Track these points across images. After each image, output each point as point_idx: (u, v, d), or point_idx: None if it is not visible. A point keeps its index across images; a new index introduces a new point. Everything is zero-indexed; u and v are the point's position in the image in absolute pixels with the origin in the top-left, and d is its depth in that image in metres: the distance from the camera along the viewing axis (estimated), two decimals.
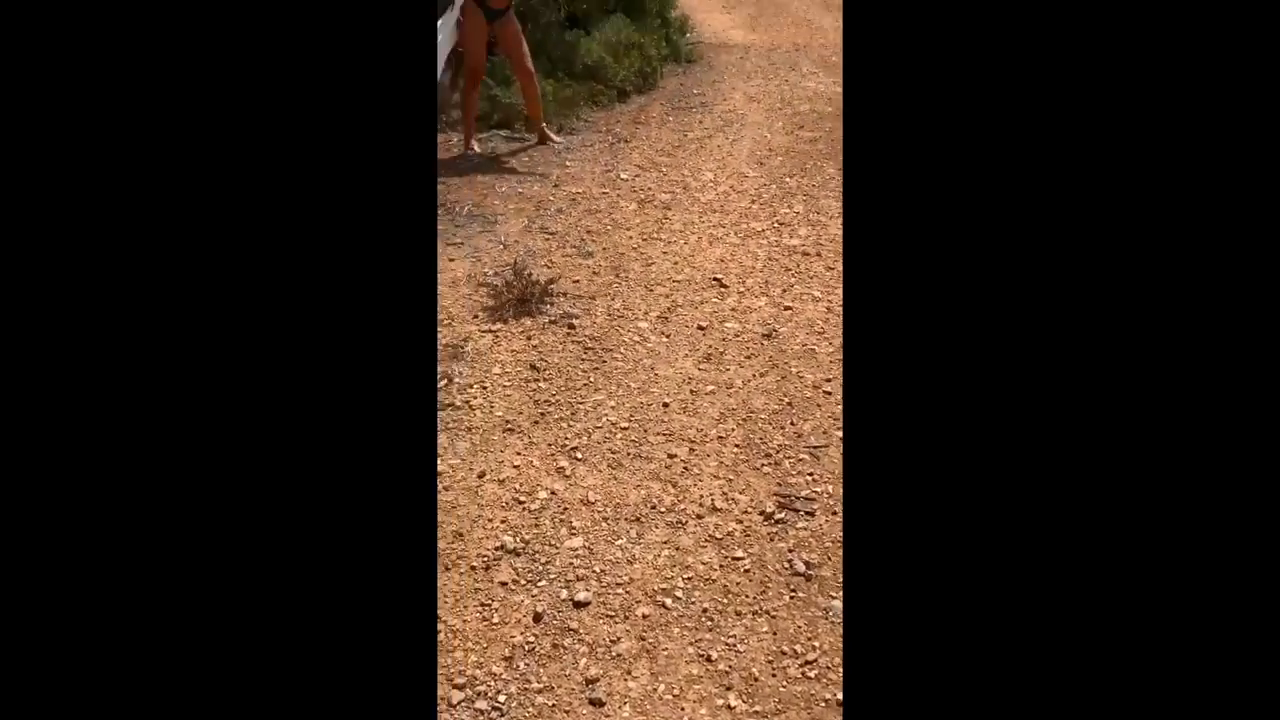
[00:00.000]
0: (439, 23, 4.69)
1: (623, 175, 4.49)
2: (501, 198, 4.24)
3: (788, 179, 4.39)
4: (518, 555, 1.98)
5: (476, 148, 4.85)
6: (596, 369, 2.74)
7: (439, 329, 3.03)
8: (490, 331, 2.98)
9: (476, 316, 3.09)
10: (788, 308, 3.09)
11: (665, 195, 4.22)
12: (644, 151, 4.89)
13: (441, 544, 2.02)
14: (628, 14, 6.65)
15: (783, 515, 2.09)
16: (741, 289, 3.25)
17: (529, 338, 2.93)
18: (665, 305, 3.13)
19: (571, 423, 2.47)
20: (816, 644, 1.77)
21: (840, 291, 3.09)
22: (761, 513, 2.10)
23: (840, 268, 3.28)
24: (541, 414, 2.51)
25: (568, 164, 4.70)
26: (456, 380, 2.68)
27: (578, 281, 3.34)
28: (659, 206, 4.08)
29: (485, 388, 2.64)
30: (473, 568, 1.95)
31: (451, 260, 3.58)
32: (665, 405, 2.53)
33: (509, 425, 2.46)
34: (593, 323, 3.02)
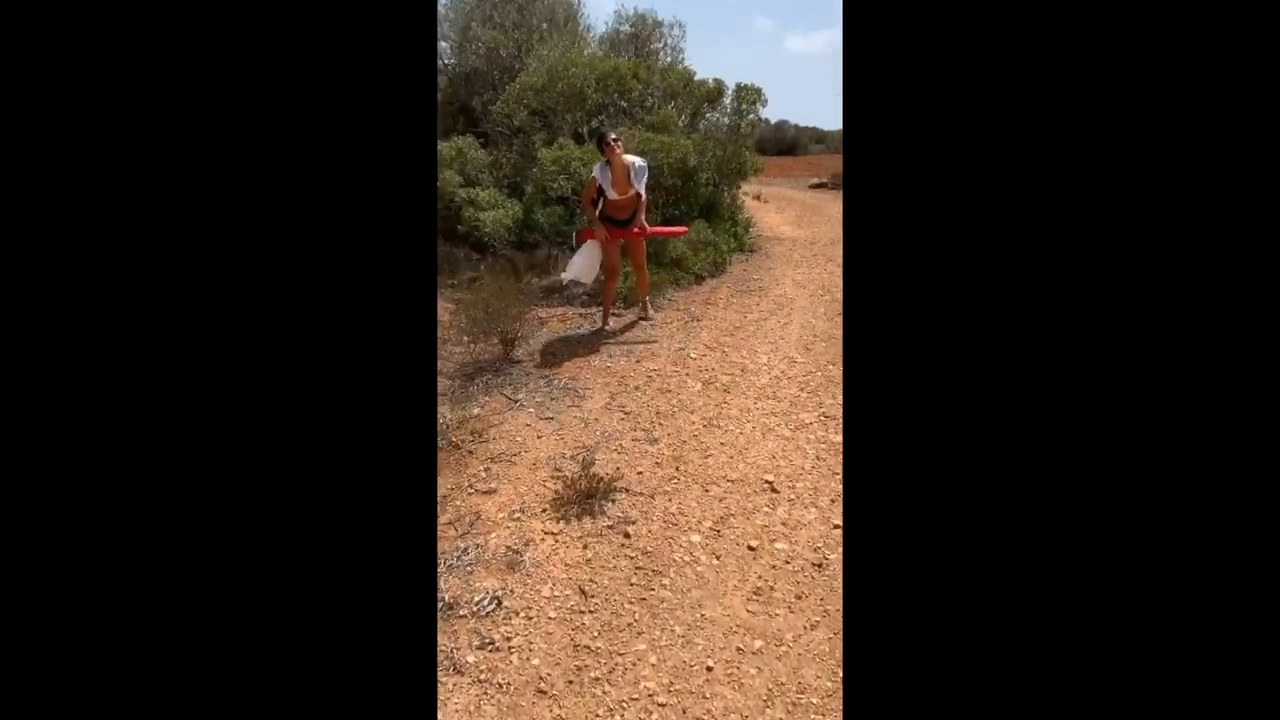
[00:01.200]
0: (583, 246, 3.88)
1: (692, 355, 3.56)
2: (593, 371, 3.37)
3: (831, 366, 3.37)
4: None
5: (612, 324, 4.01)
6: (643, 599, 1.76)
7: (510, 521, 2.13)
8: (551, 534, 2.05)
9: (545, 510, 2.18)
10: (836, 526, 2.06)
11: (726, 377, 3.26)
12: (711, 331, 3.96)
13: None
14: (707, 217, 5.84)
15: None
16: (792, 494, 2.23)
17: (585, 546, 1.99)
18: (719, 512, 2.14)
19: (607, 687, 1.48)
20: None
21: None
22: None
23: None
24: (578, 668, 1.54)
25: (650, 339, 3.82)
26: (505, 604, 1.75)
27: (641, 473, 2.39)
28: (720, 389, 3.12)
29: (530, 619, 1.70)
30: None
31: (539, 437, 2.69)
32: (709, 669, 1.53)
33: (541, 685, 1.49)
34: (648, 531, 2.05)
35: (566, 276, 3.96)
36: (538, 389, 3.17)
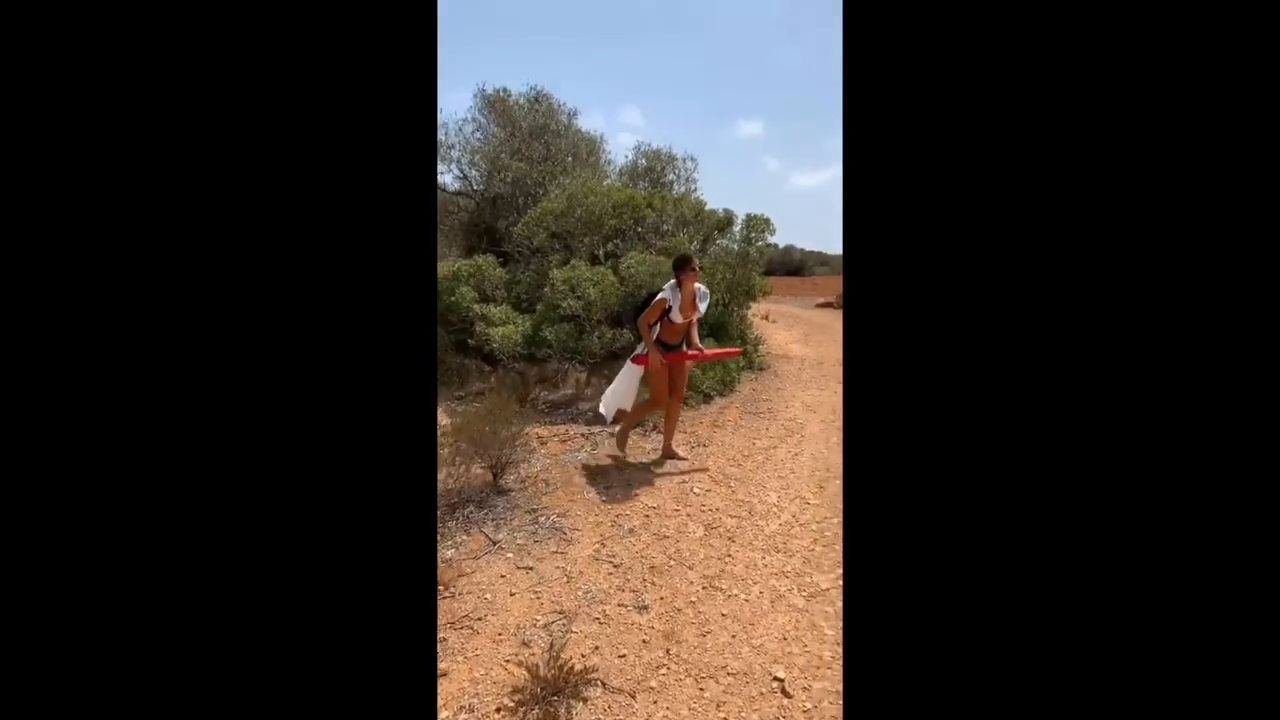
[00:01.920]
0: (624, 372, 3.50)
1: (695, 490, 3.09)
2: (586, 506, 2.91)
3: None
4: None
5: (626, 457, 3.56)
6: None
7: (459, 717, 1.61)
8: None
9: (499, 709, 1.66)
10: None
11: (731, 520, 2.77)
12: (717, 460, 3.51)
13: None
14: (716, 336, 5.56)
15: None
16: (808, 701, 1.68)
17: None
18: None
19: None
20: None
21: None
22: None
23: None
24: None
25: (651, 472, 3.37)
26: None
27: (624, 656, 1.87)
28: (724, 536, 2.62)
29: None
30: None
31: (513, 594, 2.21)
32: None
33: None
34: None
35: (608, 413, 3.47)
36: (522, 526, 2.71)
